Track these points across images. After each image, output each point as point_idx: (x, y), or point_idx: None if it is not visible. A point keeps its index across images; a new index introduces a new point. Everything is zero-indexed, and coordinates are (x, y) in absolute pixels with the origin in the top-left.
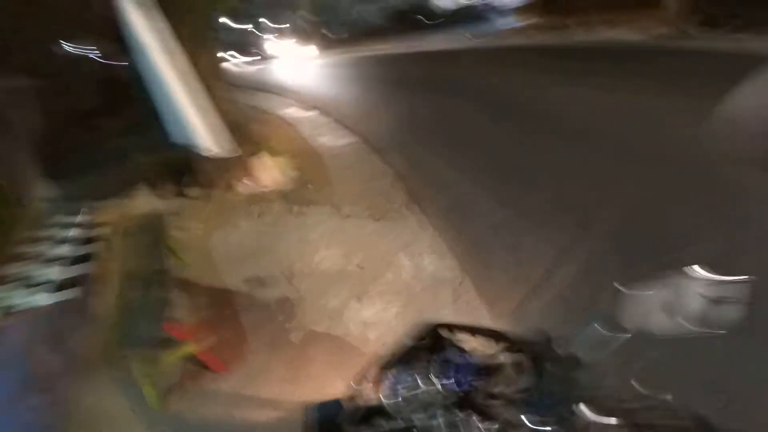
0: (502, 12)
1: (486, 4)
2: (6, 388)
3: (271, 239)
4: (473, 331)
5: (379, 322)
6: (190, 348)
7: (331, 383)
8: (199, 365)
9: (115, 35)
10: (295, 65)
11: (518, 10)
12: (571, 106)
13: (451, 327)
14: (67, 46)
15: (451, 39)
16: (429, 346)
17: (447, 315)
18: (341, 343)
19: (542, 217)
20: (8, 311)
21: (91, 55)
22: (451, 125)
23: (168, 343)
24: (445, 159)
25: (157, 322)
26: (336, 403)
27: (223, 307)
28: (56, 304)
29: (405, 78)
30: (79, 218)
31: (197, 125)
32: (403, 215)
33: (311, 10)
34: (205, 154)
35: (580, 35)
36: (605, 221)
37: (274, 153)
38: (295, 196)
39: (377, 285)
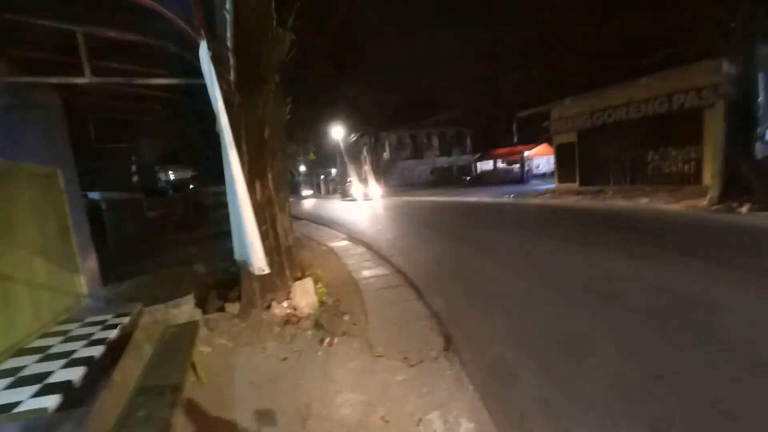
0: (542, 176)
1: (522, 171)
2: None
3: (296, 368)
4: None
5: None
6: None
7: None
8: None
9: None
10: (352, 205)
11: (556, 175)
12: (615, 273)
13: None
14: (171, 175)
15: (491, 194)
16: None
17: None
18: None
19: (601, 401)
20: (9, 411)
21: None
22: (491, 280)
23: None
24: (486, 313)
25: None
26: None
27: None
28: (61, 411)
29: (453, 227)
30: (119, 320)
31: (256, 246)
32: (441, 366)
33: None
34: (256, 272)
35: (618, 201)
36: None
37: (316, 280)
38: (330, 325)
39: None
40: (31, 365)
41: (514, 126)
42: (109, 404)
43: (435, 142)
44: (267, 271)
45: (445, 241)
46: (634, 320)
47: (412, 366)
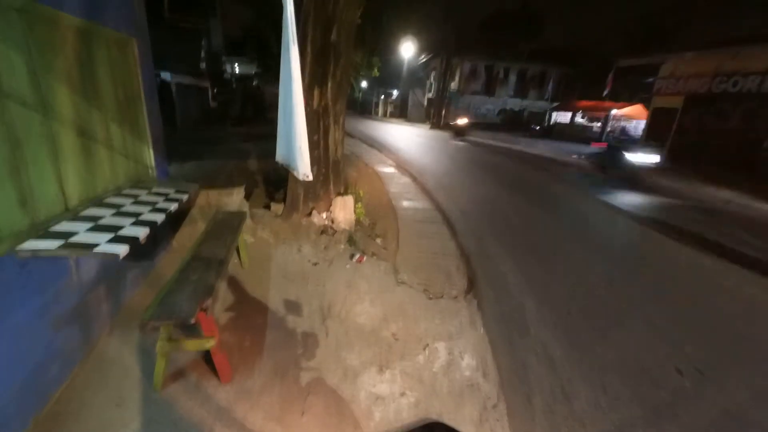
0: (627, 145)
1: (602, 130)
2: (51, 309)
3: (324, 273)
4: None
5: (389, 404)
6: (211, 344)
7: None
8: (209, 364)
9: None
10: (406, 134)
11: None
12: (676, 264)
13: None
14: (236, 67)
15: (557, 151)
16: None
17: None
18: (343, 408)
19: (614, 382)
20: (90, 249)
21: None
22: (533, 233)
23: (194, 331)
24: (519, 267)
25: (195, 306)
26: None
27: (255, 317)
28: (126, 259)
29: (504, 175)
30: (180, 196)
31: (304, 151)
32: (458, 305)
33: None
34: (300, 177)
35: (689, 185)
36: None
37: (357, 199)
38: (362, 244)
39: (404, 363)
40: (108, 217)
41: (610, 75)
42: (168, 264)
43: (512, 79)
44: (310, 178)
45: (492, 186)
46: None
47: (431, 298)
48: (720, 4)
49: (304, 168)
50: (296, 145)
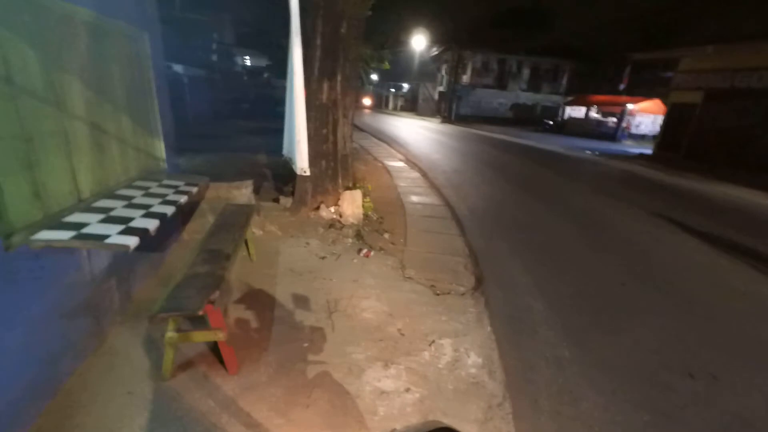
0: (640, 137)
1: (617, 126)
2: (64, 301)
3: (332, 268)
4: None
5: (394, 400)
6: (219, 336)
7: None
8: (217, 355)
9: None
10: (416, 128)
11: (653, 141)
12: (677, 256)
13: None
14: (247, 61)
15: (570, 147)
16: None
17: None
18: (347, 403)
19: (621, 381)
20: (101, 240)
21: (264, 71)
22: (543, 233)
23: (202, 323)
24: (527, 263)
25: (203, 298)
26: None
27: (262, 311)
28: (136, 251)
29: (516, 172)
30: (189, 188)
31: (302, 145)
32: (465, 302)
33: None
34: (298, 172)
35: (708, 185)
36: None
37: (365, 194)
38: (370, 238)
39: (410, 359)
40: (119, 208)
41: (627, 70)
42: (178, 256)
43: (525, 73)
44: (308, 173)
45: (503, 184)
46: None
47: (438, 295)
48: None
49: (301, 162)
50: (295, 139)
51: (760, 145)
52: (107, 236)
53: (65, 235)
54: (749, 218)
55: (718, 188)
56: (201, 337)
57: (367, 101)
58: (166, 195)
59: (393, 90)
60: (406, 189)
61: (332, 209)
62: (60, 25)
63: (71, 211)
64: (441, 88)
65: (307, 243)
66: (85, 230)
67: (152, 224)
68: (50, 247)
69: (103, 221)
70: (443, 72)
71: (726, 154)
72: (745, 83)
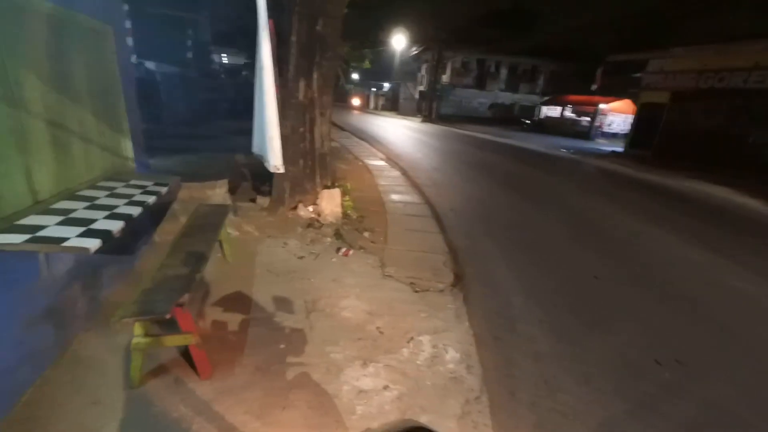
0: (612, 136)
1: (590, 125)
2: (20, 308)
3: (310, 268)
4: None
5: (372, 399)
6: (190, 340)
7: None
8: (190, 360)
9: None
10: (399, 126)
11: (624, 140)
12: (652, 249)
13: None
14: (225, 58)
15: (546, 145)
16: None
17: (446, 429)
18: (325, 403)
19: (602, 373)
20: (59, 243)
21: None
22: (523, 229)
23: (173, 326)
24: (507, 260)
25: (172, 301)
26: None
27: (239, 312)
28: (102, 255)
29: (496, 170)
30: (159, 188)
31: (275, 142)
32: (444, 299)
33: (430, 86)
34: (271, 170)
35: (676, 180)
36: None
37: (345, 193)
38: (349, 237)
39: (388, 357)
40: (80, 210)
41: (599, 71)
42: (149, 259)
43: (503, 73)
44: (281, 170)
45: (483, 182)
46: None
47: (417, 292)
48: (711, 2)
49: (274, 159)
50: (267, 136)
51: (724, 144)
52: (66, 239)
53: (18, 238)
54: (715, 211)
55: (685, 183)
56: (172, 341)
57: (356, 101)
58: (132, 195)
59: (374, 89)
60: (387, 188)
61: (311, 208)
62: (14, 15)
63: (26, 213)
64: (421, 88)
65: (285, 243)
66: (41, 233)
67: (116, 226)
68: (1, 251)
69: (62, 223)
70: (423, 72)
71: (693, 152)
72: (709, 84)
